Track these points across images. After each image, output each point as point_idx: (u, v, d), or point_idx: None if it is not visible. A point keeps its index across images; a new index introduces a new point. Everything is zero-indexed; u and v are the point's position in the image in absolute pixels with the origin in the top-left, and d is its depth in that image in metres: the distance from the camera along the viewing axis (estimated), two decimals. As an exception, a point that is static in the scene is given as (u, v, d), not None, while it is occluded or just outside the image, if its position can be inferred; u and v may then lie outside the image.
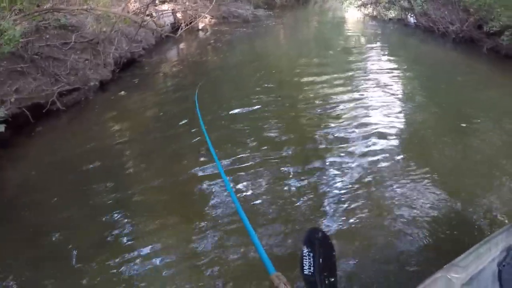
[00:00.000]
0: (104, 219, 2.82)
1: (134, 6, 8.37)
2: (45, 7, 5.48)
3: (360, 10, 15.48)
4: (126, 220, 2.81)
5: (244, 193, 3.12)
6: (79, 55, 5.83)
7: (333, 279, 1.72)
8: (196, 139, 3.98)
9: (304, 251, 1.75)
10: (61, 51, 5.59)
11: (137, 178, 3.39)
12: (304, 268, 1.67)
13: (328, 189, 3.25)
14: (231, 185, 3.20)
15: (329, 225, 2.84)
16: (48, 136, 4.26)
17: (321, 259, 1.74)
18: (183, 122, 4.52)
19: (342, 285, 2.36)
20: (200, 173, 3.39)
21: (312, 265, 1.69)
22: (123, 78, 6.27)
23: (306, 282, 1.68)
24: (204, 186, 3.20)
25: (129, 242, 2.58)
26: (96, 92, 5.49)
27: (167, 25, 9.27)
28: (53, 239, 2.65)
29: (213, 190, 3.15)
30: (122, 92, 5.50)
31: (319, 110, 4.91)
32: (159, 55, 7.98)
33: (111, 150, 3.86)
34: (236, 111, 4.87)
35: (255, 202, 3.02)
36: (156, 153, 3.83)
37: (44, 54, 5.12)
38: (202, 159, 3.59)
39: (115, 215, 2.85)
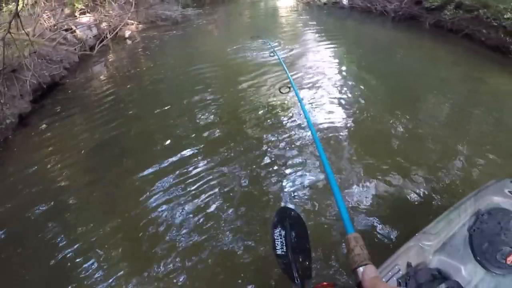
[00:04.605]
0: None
1: (49, 22, 7.81)
2: None
3: (293, -3, 15.62)
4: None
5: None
6: (-9, 89, 5.37)
7: (307, 257, 1.70)
8: (136, 169, 3.93)
9: (275, 231, 1.72)
10: (-32, 88, 5.12)
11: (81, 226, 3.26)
12: (277, 248, 1.66)
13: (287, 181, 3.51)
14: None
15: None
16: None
17: (293, 238, 1.73)
18: (114, 153, 4.41)
19: (317, 263, 2.52)
20: (147, 204, 3.39)
21: (284, 244, 1.67)
22: (45, 107, 5.88)
23: (279, 262, 1.65)
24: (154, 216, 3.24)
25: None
26: (16, 129, 5.10)
27: (90, 38, 8.77)
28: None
29: (162, 217, 3.20)
30: (43, 125, 5.15)
31: (262, 107, 5.12)
32: (84, 73, 7.52)
33: (39, 200, 3.62)
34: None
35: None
36: (94, 192, 3.72)
37: None
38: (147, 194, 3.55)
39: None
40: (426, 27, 8.61)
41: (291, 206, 3.12)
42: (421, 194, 3.22)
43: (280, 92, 2.42)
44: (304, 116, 1.73)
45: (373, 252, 2.52)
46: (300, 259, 1.64)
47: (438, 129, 4.34)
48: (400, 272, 1.52)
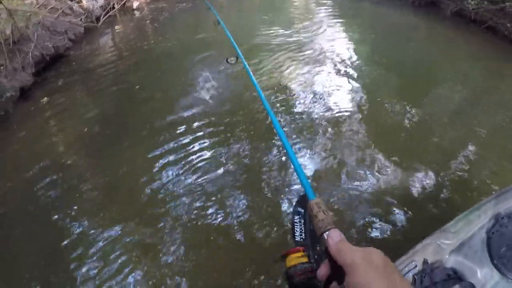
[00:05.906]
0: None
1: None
2: None
3: (306, -25, 14.91)
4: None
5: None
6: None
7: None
8: (139, 145, 3.91)
9: (295, 218, 1.69)
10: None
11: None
12: (296, 234, 1.62)
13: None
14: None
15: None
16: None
17: (311, 225, 1.63)
18: (117, 128, 4.31)
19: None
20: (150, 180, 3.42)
21: (303, 231, 1.64)
22: (48, 79, 5.72)
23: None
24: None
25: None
26: (17, 102, 4.98)
27: (96, 8, 8.48)
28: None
29: (165, 193, 3.26)
30: (45, 99, 5.01)
31: (275, 88, 5.01)
32: (90, 45, 7.30)
33: (40, 175, 3.58)
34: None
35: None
36: (96, 168, 3.69)
37: None
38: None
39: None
40: (447, 15, 8.16)
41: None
42: (436, 193, 3.10)
43: (227, 62, 2.27)
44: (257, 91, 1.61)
45: (388, 248, 2.46)
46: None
47: (450, 126, 4.14)
48: (417, 268, 1.54)
